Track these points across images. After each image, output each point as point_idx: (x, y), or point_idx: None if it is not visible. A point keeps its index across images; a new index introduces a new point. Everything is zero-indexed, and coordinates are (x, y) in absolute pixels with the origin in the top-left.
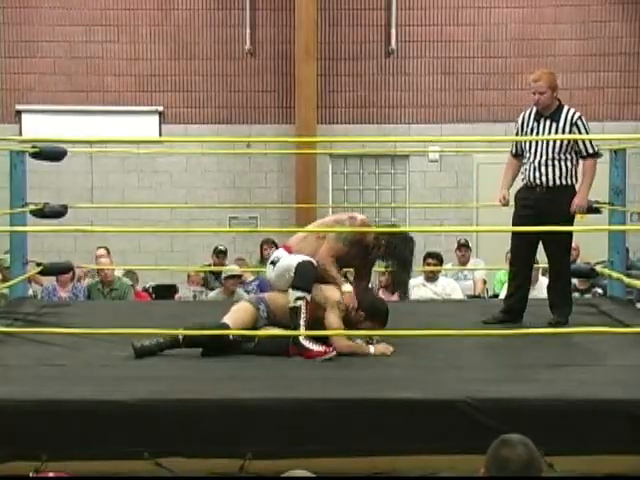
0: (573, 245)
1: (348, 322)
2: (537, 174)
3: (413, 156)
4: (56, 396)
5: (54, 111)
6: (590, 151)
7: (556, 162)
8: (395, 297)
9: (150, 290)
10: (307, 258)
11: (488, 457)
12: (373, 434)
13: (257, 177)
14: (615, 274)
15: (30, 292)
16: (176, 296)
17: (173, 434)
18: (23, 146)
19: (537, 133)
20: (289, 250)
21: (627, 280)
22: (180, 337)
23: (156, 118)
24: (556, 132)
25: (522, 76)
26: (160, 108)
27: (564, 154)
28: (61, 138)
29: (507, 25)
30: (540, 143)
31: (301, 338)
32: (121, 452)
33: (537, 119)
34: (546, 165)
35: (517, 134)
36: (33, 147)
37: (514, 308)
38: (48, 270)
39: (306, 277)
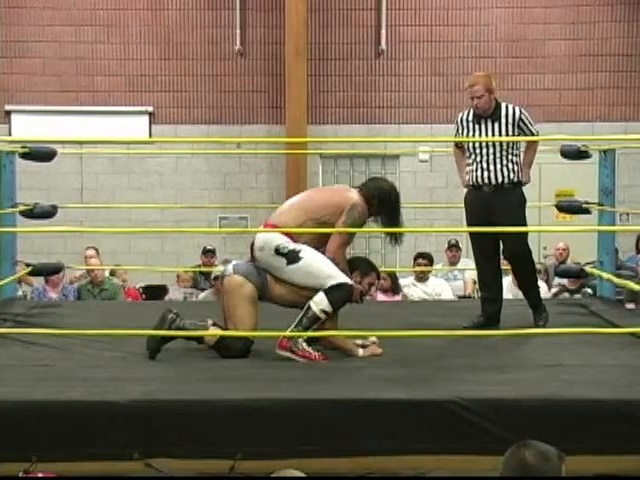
0: (563, 245)
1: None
2: (485, 174)
3: (403, 156)
4: (46, 397)
5: (44, 111)
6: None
7: (504, 160)
8: (393, 297)
9: (140, 291)
10: (351, 282)
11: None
12: (363, 434)
13: (247, 177)
14: (605, 274)
15: (20, 293)
16: (165, 298)
17: (163, 435)
18: (13, 146)
19: (479, 135)
20: (293, 239)
21: (617, 280)
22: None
23: (146, 118)
24: (499, 131)
25: (512, 76)
26: (150, 108)
27: (510, 151)
28: (51, 138)
29: (497, 26)
30: (485, 143)
31: (301, 340)
32: (111, 453)
33: (477, 121)
34: (494, 164)
35: (457, 134)
36: (23, 147)
37: (493, 312)
38: (38, 271)
39: (343, 301)
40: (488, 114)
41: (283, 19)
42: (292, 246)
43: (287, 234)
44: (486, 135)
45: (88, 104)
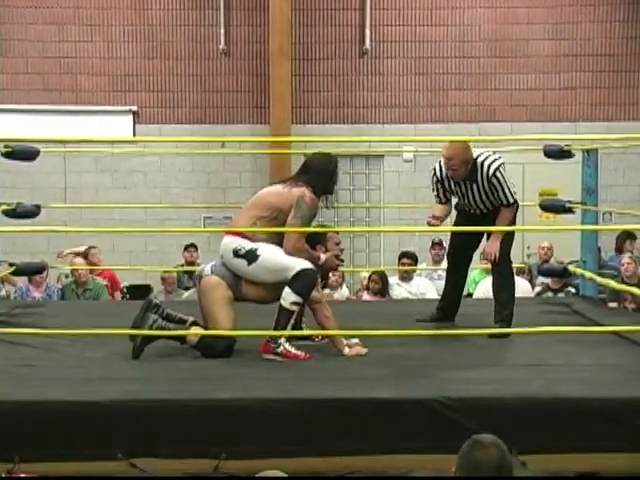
0: (547, 244)
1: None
2: (479, 219)
3: (387, 156)
4: (28, 397)
5: (27, 110)
6: (505, 203)
7: (490, 211)
8: (378, 297)
9: (124, 290)
10: (310, 265)
11: (460, 457)
12: (348, 434)
13: (231, 177)
14: (588, 273)
15: (3, 292)
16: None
17: (147, 435)
18: None
19: (462, 194)
20: (250, 239)
21: (599, 279)
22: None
23: (130, 118)
24: (478, 191)
25: (495, 76)
26: (134, 108)
27: (495, 204)
28: (34, 138)
29: (480, 25)
30: (470, 202)
31: (283, 340)
32: (94, 453)
33: (457, 182)
34: (486, 214)
35: (436, 184)
36: (5, 147)
37: (450, 307)
38: (21, 270)
39: (309, 286)
40: (465, 178)
41: (267, 18)
42: (249, 246)
43: (244, 235)
44: (467, 194)
45: (71, 103)
